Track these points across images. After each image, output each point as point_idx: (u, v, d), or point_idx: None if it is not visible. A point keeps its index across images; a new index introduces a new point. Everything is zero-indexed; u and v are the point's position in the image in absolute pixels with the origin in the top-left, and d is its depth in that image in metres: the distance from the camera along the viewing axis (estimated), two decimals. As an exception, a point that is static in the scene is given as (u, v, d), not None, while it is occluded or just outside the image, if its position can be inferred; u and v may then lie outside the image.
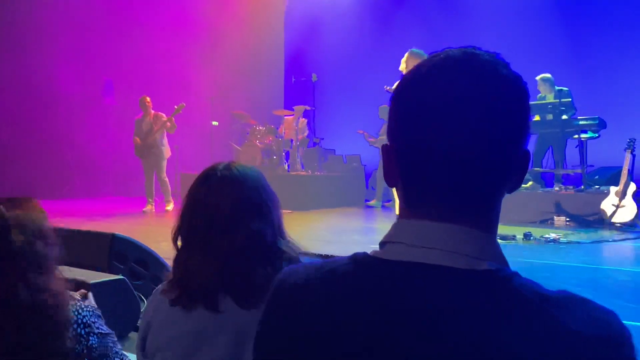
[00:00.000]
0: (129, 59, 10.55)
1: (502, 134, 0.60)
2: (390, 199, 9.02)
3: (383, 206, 9.01)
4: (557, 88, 7.46)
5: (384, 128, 8.99)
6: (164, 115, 7.96)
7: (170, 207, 8.13)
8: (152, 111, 7.98)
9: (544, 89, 7.56)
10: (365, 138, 9.68)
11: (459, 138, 0.59)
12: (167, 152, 8.07)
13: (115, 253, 2.94)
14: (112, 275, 2.58)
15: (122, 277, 2.58)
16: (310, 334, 0.61)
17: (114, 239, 2.96)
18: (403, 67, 5.42)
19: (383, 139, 9.06)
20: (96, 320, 1.34)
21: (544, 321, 0.54)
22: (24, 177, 9.10)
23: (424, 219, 0.62)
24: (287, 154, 10.05)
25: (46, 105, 9.72)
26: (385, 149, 0.66)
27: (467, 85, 0.60)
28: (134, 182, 10.45)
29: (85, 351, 1.29)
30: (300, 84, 10.79)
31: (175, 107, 7.99)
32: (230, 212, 1.18)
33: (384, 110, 9.26)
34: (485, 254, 0.60)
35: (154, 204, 8.02)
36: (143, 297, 3.00)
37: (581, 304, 0.56)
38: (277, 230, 1.23)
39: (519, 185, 0.65)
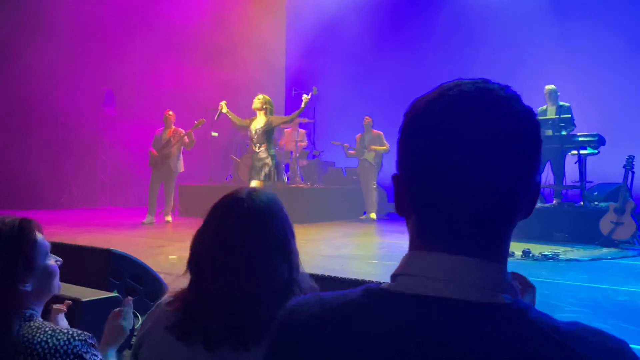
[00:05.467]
0: (129, 70, 10.59)
1: (517, 169, 0.61)
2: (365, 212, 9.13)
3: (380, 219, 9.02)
4: (559, 103, 7.49)
5: (369, 139, 9.02)
6: (183, 130, 8.09)
7: (169, 218, 8.16)
8: (173, 126, 8.15)
9: (548, 100, 7.59)
10: (345, 150, 9.48)
11: (474, 173, 0.60)
12: (180, 166, 8.23)
13: (111, 269, 2.92)
14: (106, 292, 2.56)
15: (116, 294, 2.56)
16: None
17: (110, 254, 2.95)
18: None
19: (364, 150, 9.04)
20: (88, 349, 1.26)
21: (560, 353, 0.55)
22: (22, 186, 9.09)
23: (437, 251, 0.62)
24: (287, 166, 10.05)
25: (45, 115, 9.74)
26: (396, 179, 0.67)
27: (482, 121, 0.60)
28: (130, 192, 10.45)
29: None
30: (301, 96, 10.80)
31: (195, 122, 8.14)
32: (255, 247, 1.14)
33: (367, 123, 9.16)
34: (499, 286, 0.61)
35: (154, 216, 8.04)
36: (137, 314, 2.99)
37: (594, 335, 0.57)
38: (294, 265, 1.19)
39: (529, 215, 0.66)
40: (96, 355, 1.27)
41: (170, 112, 8.25)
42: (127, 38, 10.65)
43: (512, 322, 0.57)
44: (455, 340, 0.56)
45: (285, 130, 10.25)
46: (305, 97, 6.20)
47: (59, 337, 1.24)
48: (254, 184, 5.96)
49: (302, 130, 10.28)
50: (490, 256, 0.61)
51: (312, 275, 1.98)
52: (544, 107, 7.62)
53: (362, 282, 2.22)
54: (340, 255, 5.63)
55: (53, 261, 1.42)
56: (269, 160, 5.95)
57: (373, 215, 9.06)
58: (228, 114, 6.35)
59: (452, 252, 0.61)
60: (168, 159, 8.05)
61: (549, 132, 7.24)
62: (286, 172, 10.06)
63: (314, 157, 10.35)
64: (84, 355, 1.23)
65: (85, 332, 1.30)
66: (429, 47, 11.05)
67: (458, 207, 0.61)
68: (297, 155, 9.90)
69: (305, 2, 12.70)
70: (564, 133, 7.22)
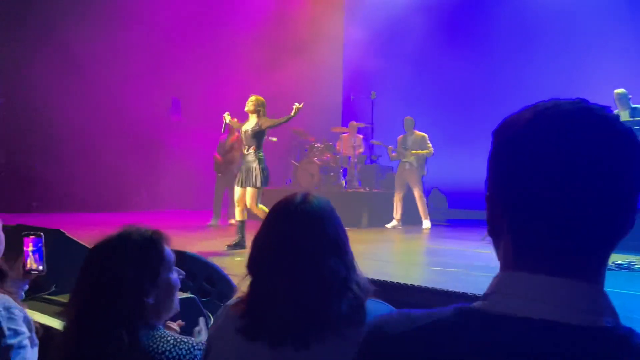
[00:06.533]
0: (195, 80, 11.01)
1: (619, 189, 0.60)
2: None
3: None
4: (632, 106, 7.11)
5: (412, 141, 8.48)
6: None
7: (233, 221, 8.41)
8: (237, 133, 8.41)
9: (619, 105, 7.23)
10: (389, 152, 8.85)
11: (576, 195, 0.59)
12: None
13: (186, 270, 3.05)
14: (182, 293, 2.69)
15: (192, 295, 2.68)
16: None
17: (184, 256, 3.08)
18: None
19: (405, 153, 8.44)
20: None
21: None
22: (96, 189, 9.65)
23: (535, 272, 0.61)
24: (345, 171, 10.11)
25: (118, 122, 10.30)
26: (489, 199, 0.67)
27: (585, 142, 0.60)
28: (196, 196, 10.84)
29: None
30: (359, 101, 10.84)
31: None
32: (310, 248, 1.18)
33: (408, 123, 8.66)
34: (600, 309, 0.59)
35: (219, 219, 8.32)
36: (210, 315, 3.11)
37: None
38: (350, 264, 1.23)
39: (627, 234, 0.64)
40: None
41: (235, 120, 8.50)
42: (193, 46, 11.07)
43: (615, 348, 0.56)
44: None
45: (342, 135, 10.31)
46: (296, 105, 6.01)
47: (182, 346, 1.30)
48: (249, 191, 5.85)
49: (360, 136, 10.30)
50: (591, 278, 0.61)
51: (378, 282, 2.00)
52: (616, 111, 7.26)
53: (426, 290, 2.22)
54: (400, 261, 5.61)
55: (176, 274, 1.46)
56: (255, 164, 5.85)
57: (427, 224, 8.45)
58: (231, 123, 6.43)
59: (552, 274, 0.60)
60: (231, 164, 8.30)
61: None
62: (344, 177, 10.15)
63: (372, 162, 10.34)
64: None
65: (204, 342, 1.34)
66: (493, 51, 10.74)
67: (559, 228, 0.60)
68: (355, 160, 9.93)
69: (364, 2, 12.69)
70: None
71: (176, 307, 1.45)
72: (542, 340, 0.57)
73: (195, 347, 1.31)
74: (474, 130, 10.28)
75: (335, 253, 1.20)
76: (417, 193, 8.50)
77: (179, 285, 1.44)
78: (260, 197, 5.97)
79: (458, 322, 0.61)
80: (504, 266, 0.65)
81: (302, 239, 1.19)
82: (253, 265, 1.25)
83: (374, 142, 9.61)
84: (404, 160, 8.60)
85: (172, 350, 1.29)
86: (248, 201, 5.88)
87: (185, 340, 1.33)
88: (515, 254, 0.63)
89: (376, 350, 0.65)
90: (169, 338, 1.32)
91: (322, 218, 1.23)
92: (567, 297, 0.59)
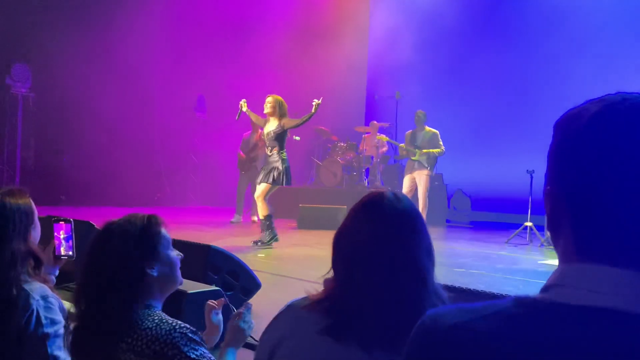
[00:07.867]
0: (219, 77, 11.13)
1: None
2: None
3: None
4: None
5: (422, 137, 7.70)
6: None
7: (255, 218, 8.48)
8: (261, 130, 8.47)
9: None
10: (400, 150, 8.32)
11: None
12: None
13: (210, 264, 3.10)
14: (208, 285, 2.73)
15: (217, 287, 2.72)
16: None
17: (209, 250, 3.13)
18: None
19: (416, 151, 7.73)
20: (187, 342, 1.32)
21: None
22: (121, 184, 9.82)
23: (599, 264, 0.60)
24: (367, 171, 10.09)
25: (143, 118, 10.46)
26: (550, 193, 0.66)
27: None
28: (219, 193, 10.95)
29: None
30: (384, 101, 10.81)
31: None
32: (411, 248, 1.14)
33: (420, 117, 7.88)
34: None
35: (242, 215, 8.39)
36: (234, 308, 3.14)
37: None
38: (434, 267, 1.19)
39: None
40: (195, 350, 1.32)
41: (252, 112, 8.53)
42: (219, 43, 11.18)
43: None
44: (618, 352, 0.55)
45: (365, 135, 10.28)
46: (315, 102, 5.97)
47: (162, 326, 1.33)
48: (262, 187, 5.94)
49: (382, 136, 10.26)
50: None
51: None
52: None
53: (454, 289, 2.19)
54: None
55: (175, 253, 1.56)
56: (279, 164, 5.95)
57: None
58: (247, 113, 6.51)
59: (617, 265, 0.59)
60: (255, 161, 8.37)
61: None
62: (366, 177, 10.13)
63: (395, 162, 10.30)
64: (181, 347, 1.30)
65: (189, 326, 1.37)
66: (522, 49, 10.55)
67: (627, 222, 0.59)
68: (378, 160, 9.90)
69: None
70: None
71: (179, 281, 1.56)
72: (605, 329, 0.56)
73: (177, 329, 1.34)
74: (502, 133, 10.17)
75: (427, 252, 1.16)
76: (421, 190, 7.80)
77: (179, 263, 1.55)
78: (270, 193, 6.10)
79: (520, 312, 0.60)
80: (565, 259, 0.64)
81: (403, 237, 1.14)
82: (342, 263, 1.18)
83: (381, 137, 9.06)
84: (412, 158, 7.90)
85: (154, 328, 1.34)
86: (258, 192, 6.00)
87: (170, 321, 1.37)
88: (577, 247, 0.62)
89: (433, 342, 0.63)
90: (155, 317, 1.37)
91: (417, 216, 1.19)
92: (633, 288, 0.58)
